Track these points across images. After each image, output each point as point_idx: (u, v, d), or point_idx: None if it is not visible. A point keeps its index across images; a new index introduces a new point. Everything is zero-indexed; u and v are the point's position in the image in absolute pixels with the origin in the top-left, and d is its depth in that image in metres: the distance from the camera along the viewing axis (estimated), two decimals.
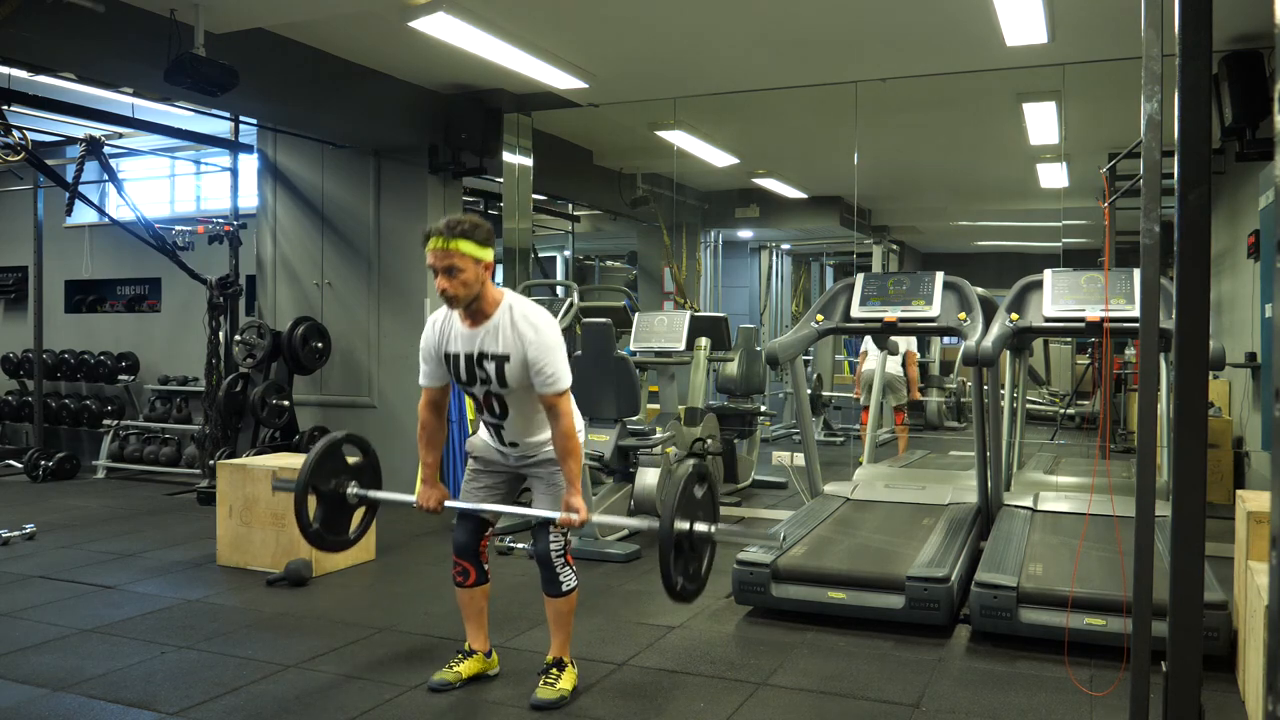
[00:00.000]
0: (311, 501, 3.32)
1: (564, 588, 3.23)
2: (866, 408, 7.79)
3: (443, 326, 3.17)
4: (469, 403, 3.42)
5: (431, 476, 3.35)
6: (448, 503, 3.32)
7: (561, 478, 3.17)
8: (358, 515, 3.57)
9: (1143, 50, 2.21)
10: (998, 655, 3.69)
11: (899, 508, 5.27)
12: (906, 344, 8.44)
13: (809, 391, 6.29)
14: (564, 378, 3.07)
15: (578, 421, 3.37)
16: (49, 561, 5.14)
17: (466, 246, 2.96)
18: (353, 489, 3.43)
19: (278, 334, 6.97)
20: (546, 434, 3.20)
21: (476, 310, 3.07)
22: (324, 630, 4.00)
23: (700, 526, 3.03)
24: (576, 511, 3.09)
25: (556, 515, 3.13)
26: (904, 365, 8.36)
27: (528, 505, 3.32)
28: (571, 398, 3.13)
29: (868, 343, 8.31)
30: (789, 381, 5.87)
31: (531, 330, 3.03)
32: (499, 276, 8.56)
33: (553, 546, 3.22)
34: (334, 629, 4.02)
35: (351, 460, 3.51)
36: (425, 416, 3.31)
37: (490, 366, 3.09)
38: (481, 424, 3.33)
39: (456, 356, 3.14)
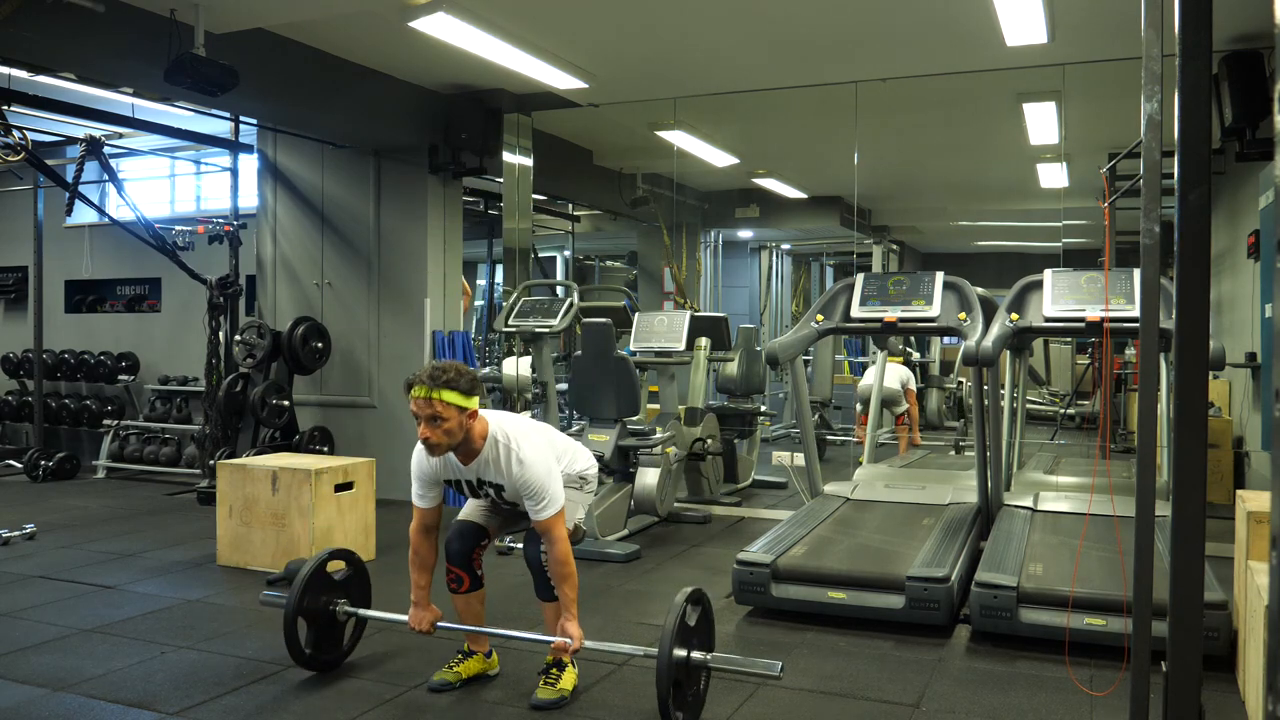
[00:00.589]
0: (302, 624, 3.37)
1: (556, 591, 3.24)
2: (865, 414, 7.79)
3: (439, 461, 3.20)
4: None
5: (423, 598, 3.34)
6: (440, 624, 3.35)
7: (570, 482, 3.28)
8: (349, 628, 3.59)
9: (1143, 50, 2.20)
10: (998, 655, 3.69)
11: (899, 508, 5.27)
12: (904, 378, 8.39)
13: (812, 401, 6.29)
14: (554, 503, 3.13)
15: (585, 461, 3.45)
16: (49, 561, 5.14)
17: (450, 396, 2.98)
18: (343, 607, 3.48)
19: (278, 334, 6.97)
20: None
21: (466, 451, 3.13)
22: None
23: (697, 654, 2.98)
24: (572, 639, 3.12)
25: (554, 639, 3.17)
26: (904, 397, 8.36)
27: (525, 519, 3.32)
28: (564, 520, 3.18)
29: (870, 371, 8.28)
30: (789, 381, 5.87)
31: (518, 466, 3.10)
32: (499, 277, 8.59)
33: (543, 553, 3.22)
34: None
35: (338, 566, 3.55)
36: (417, 541, 3.32)
37: (491, 490, 3.22)
38: None
39: (459, 482, 3.25)
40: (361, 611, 3.55)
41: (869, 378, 8.09)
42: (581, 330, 6.05)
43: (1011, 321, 4.67)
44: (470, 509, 3.42)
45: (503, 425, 3.16)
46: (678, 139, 7.87)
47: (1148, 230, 2.23)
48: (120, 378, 8.56)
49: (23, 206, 8.61)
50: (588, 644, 3.18)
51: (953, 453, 8.14)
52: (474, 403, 3.05)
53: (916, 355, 9.28)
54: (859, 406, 8.69)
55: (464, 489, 3.27)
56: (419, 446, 3.16)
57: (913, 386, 8.56)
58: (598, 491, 5.58)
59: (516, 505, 3.28)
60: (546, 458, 3.16)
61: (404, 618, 3.36)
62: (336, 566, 3.53)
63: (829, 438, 8.77)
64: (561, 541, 3.12)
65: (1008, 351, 5.52)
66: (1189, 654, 2.11)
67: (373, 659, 3.67)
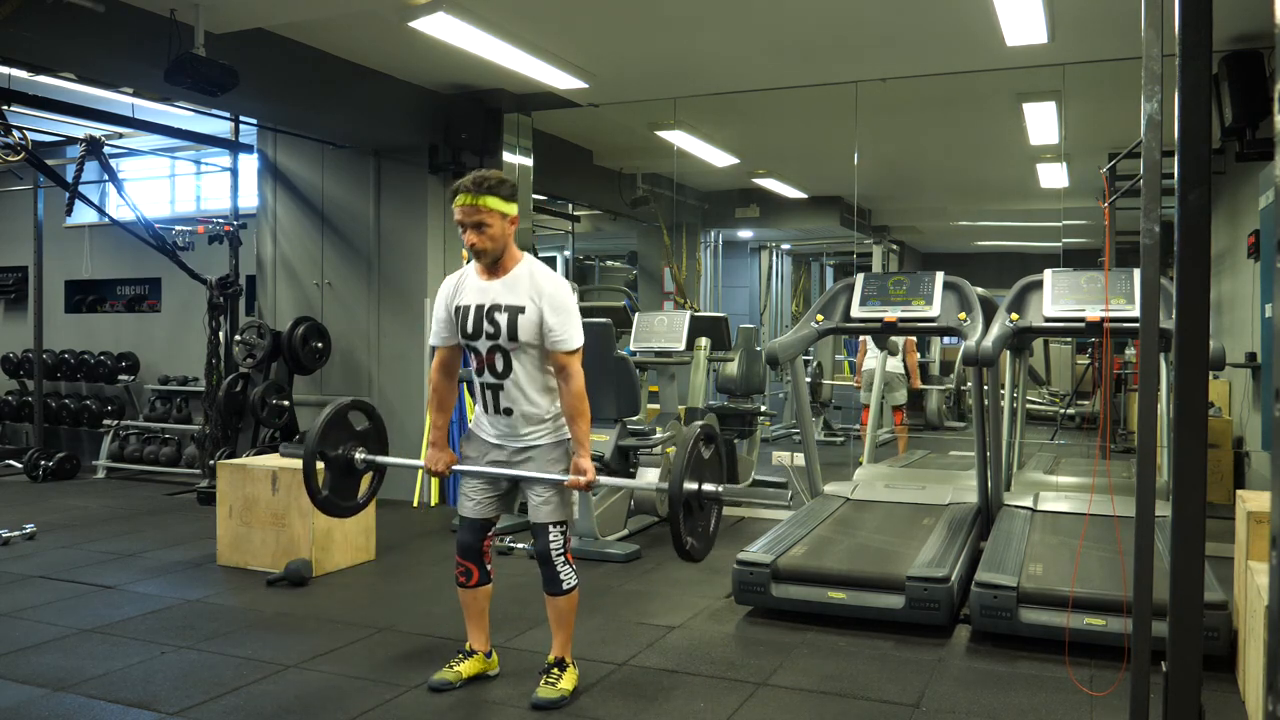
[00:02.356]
0: (320, 470, 3.37)
1: (564, 586, 3.23)
2: (867, 406, 7.79)
3: (457, 282, 3.25)
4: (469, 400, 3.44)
5: (441, 439, 3.36)
6: (456, 467, 3.33)
7: (559, 455, 3.21)
8: (365, 480, 3.59)
9: (1143, 50, 2.21)
10: (998, 655, 3.70)
11: (899, 508, 5.27)
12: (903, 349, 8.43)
13: (808, 381, 6.28)
14: (577, 336, 3.13)
15: None
16: (49, 561, 5.14)
17: (494, 202, 3.07)
18: (360, 454, 3.47)
19: (278, 334, 6.97)
20: (543, 406, 3.20)
21: (498, 265, 3.16)
22: (324, 630, 4.00)
23: (709, 486, 3.08)
24: (584, 473, 3.12)
25: (565, 478, 3.15)
26: (904, 355, 8.37)
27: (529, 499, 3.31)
28: (581, 360, 3.18)
29: (869, 341, 8.31)
30: (789, 381, 5.87)
31: (551, 285, 3.13)
32: None
33: (553, 545, 3.21)
34: (334, 629, 4.02)
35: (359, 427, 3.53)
36: (436, 378, 3.35)
37: (502, 318, 3.13)
38: (478, 402, 3.30)
39: (466, 309, 3.20)
40: (379, 459, 3.51)
41: (871, 360, 8.09)
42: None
43: (1011, 321, 4.68)
44: (468, 502, 3.32)
45: (538, 261, 3.24)
46: (678, 139, 7.87)
47: (1148, 230, 2.23)
48: (120, 378, 8.56)
49: (23, 206, 8.61)
50: (601, 480, 3.20)
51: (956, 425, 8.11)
52: (514, 209, 3.13)
53: (916, 355, 9.28)
54: (862, 394, 8.68)
55: (468, 323, 3.17)
56: (444, 284, 3.26)
57: (913, 341, 8.55)
58: (597, 492, 5.61)
59: (508, 407, 3.15)
60: (575, 300, 3.19)
61: (420, 463, 3.37)
62: (358, 421, 3.50)
63: (829, 438, 8.78)
64: (577, 376, 3.13)
65: (1008, 351, 5.53)
66: (1189, 654, 2.11)
67: (373, 659, 3.67)
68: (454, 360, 3.34)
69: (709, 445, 3.11)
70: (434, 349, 3.34)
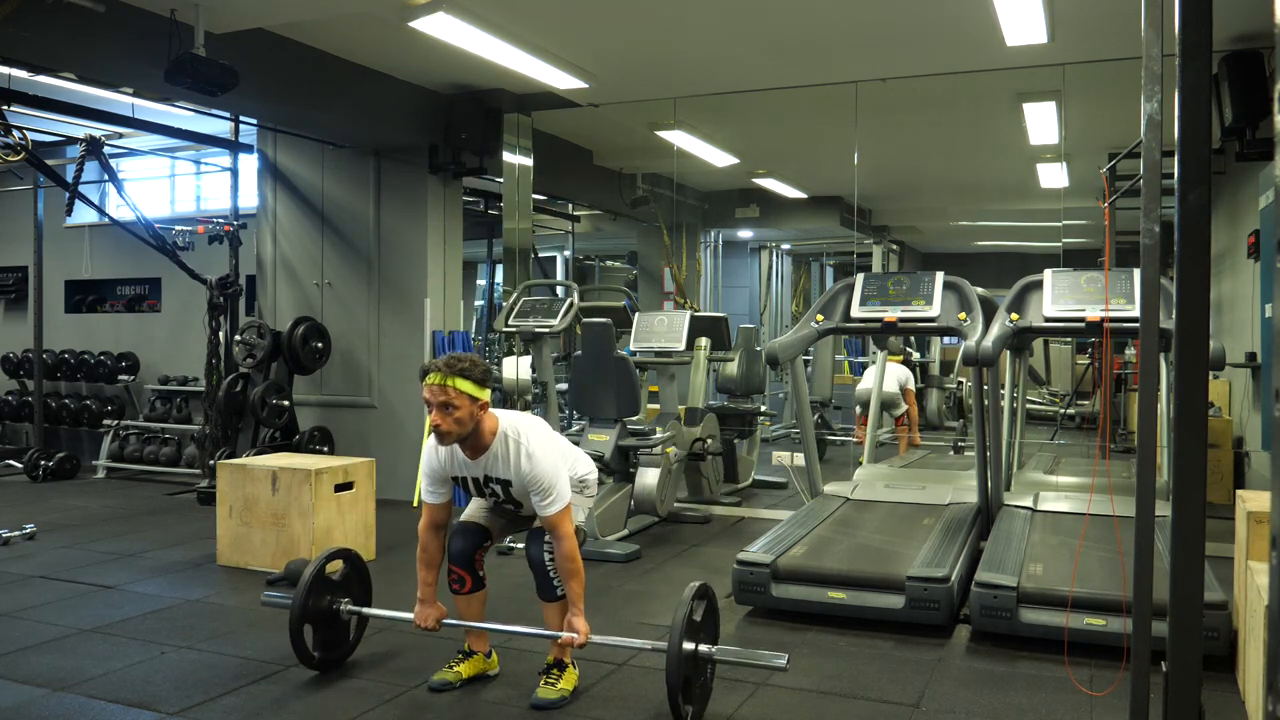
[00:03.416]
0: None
1: (558, 591, 3.24)
2: (864, 415, 7.78)
3: (445, 456, 3.24)
4: None
5: (429, 595, 3.36)
6: (445, 621, 3.36)
7: (576, 499, 3.29)
8: (353, 625, 3.62)
9: (1143, 50, 2.21)
10: (998, 655, 3.69)
11: (899, 508, 5.27)
12: (903, 378, 8.39)
13: (813, 401, 6.28)
14: (561, 499, 3.15)
15: (586, 467, 3.46)
16: (49, 561, 5.14)
17: (463, 385, 3.03)
18: (346, 606, 3.50)
19: (278, 334, 6.97)
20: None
21: (475, 444, 3.15)
22: None
23: (704, 648, 3.03)
24: (578, 632, 3.14)
25: (560, 634, 3.19)
26: (903, 398, 8.36)
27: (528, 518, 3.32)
28: (572, 516, 3.21)
29: (869, 373, 8.28)
30: (789, 381, 5.87)
31: (527, 461, 3.13)
32: (498, 277, 8.60)
33: (547, 552, 3.23)
34: None
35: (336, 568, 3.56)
36: (426, 538, 3.34)
37: (498, 487, 3.22)
38: None
39: (465, 479, 3.26)
40: (365, 610, 3.56)
41: (867, 380, 8.09)
42: (581, 330, 6.05)
43: (1011, 321, 4.67)
44: (473, 510, 3.43)
45: (513, 422, 3.20)
46: (678, 139, 7.87)
47: (1148, 230, 2.23)
48: (120, 378, 8.56)
49: (23, 206, 8.61)
50: (594, 638, 3.18)
51: (952, 453, 8.15)
52: (486, 394, 3.09)
53: (916, 355, 9.28)
54: (858, 409, 8.70)
55: (469, 487, 3.28)
56: (428, 443, 3.20)
57: (911, 387, 8.57)
58: (597, 492, 5.61)
59: (520, 507, 3.29)
60: (554, 455, 3.19)
61: (409, 616, 3.37)
62: (335, 568, 3.52)
63: (829, 438, 8.78)
64: (568, 539, 3.15)
65: (1008, 351, 5.52)
66: (1189, 654, 2.10)
67: (373, 659, 3.67)
68: (445, 517, 3.35)
69: (702, 602, 3.08)
70: (424, 505, 3.36)
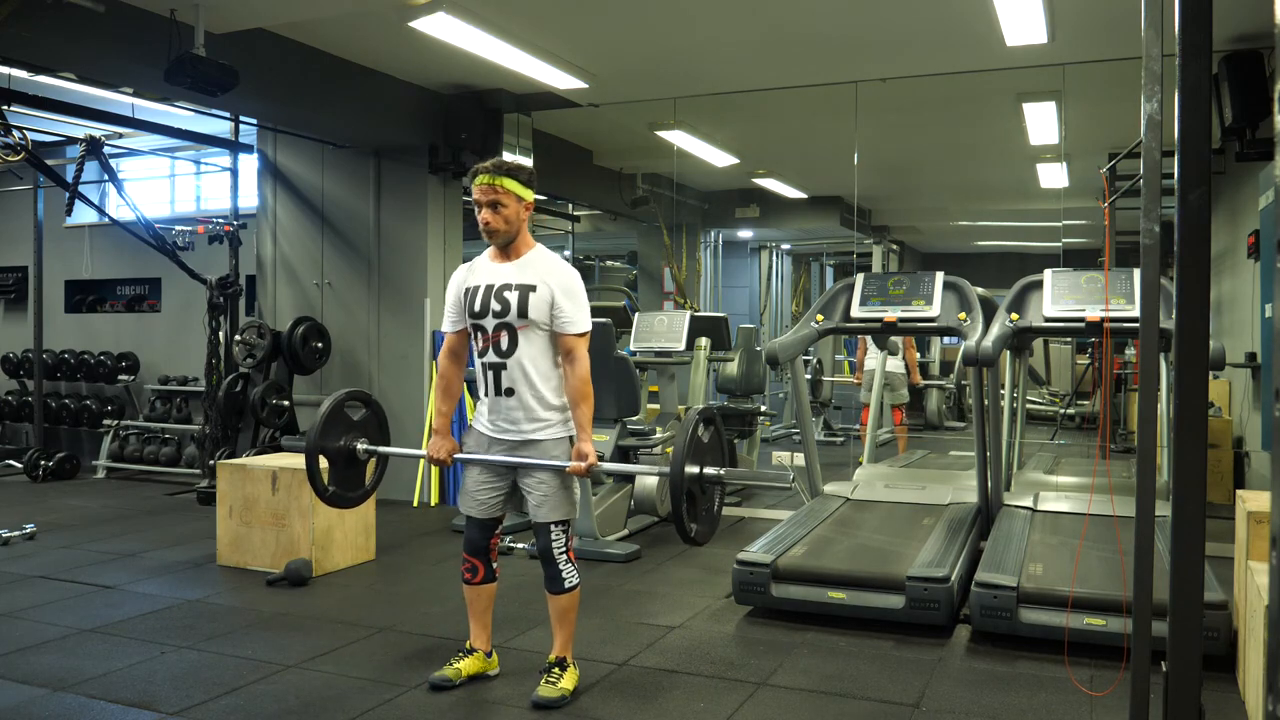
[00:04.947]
0: (323, 464, 3.39)
1: (566, 584, 3.23)
2: (867, 405, 7.79)
3: (469, 268, 3.30)
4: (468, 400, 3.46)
5: (444, 426, 3.36)
6: (457, 456, 3.33)
7: (561, 453, 3.20)
8: (370, 467, 3.61)
9: (1143, 50, 2.21)
10: (998, 655, 3.70)
11: (899, 508, 5.27)
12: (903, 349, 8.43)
13: (807, 378, 6.27)
14: (585, 320, 3.19)
15: None
16: (49, 561, 5.14)
17: (511, 184, 3.13)
18: (362, 444, 3.50)
19: (278, 334, 6.97)
20: (545, 392, 3.18)
21: (511, 249, 3.21)
22: (324, 630, 4.00)
23: (710, 470, 3.10)
24: (585, 457, 3.14)
25: (566, 464, 3.16)
26: (903, 353, 8.37)
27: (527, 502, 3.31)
28: (586, 342, 3.22)
29: (872, 352, 8.31)
30: (789, 381, 5.87)
31: (563, 269, 3.21)
32: None
33: (555, 543, 3.21)
34: (334, 629, 4.02)
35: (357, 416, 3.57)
36: (444, 364, 3.38)
37: (512, 296, 3.16)
38: (480, 389, 3.27)
39: (476, 288, 3.23)
40: (380, 449, 3.54)
41: (872, 361, 8.10)
42: None
43: (1011, 321, 4.68)
44: (472, 501, 3.30)
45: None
46: (678, 139, 7.87)
47: (1148, 230, 2.23)
48: (120, 378, 8.56)
49: (23, 206, 8.61)
50: (601, 465, 3.22)
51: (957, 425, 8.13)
52: (530, 195, 3.20)
53: (917, 356, 9.28)
54: (863, 395, 8.69)
55: (476, 301, 3.18)
56: (456, 272, 3.31)
57: (910, 339, 8.56)
58: (597, 492, 5.61)
59: (510, 352, 3.14)
60: (584, 289, 3.25)
61: (421, 453, 3.38)
62: (356, 409, 3.53)
63: (829, 438, 8.79)
64: (584, 360, 3.17)
65: (1008, 351, 5.53)
66: (1189, 654, 2.11)
67: (373, 659, 3.67)
68: (462, 346, 3.36)
69: (708, 428, 3.13)
70: (443, 336, 3.38)
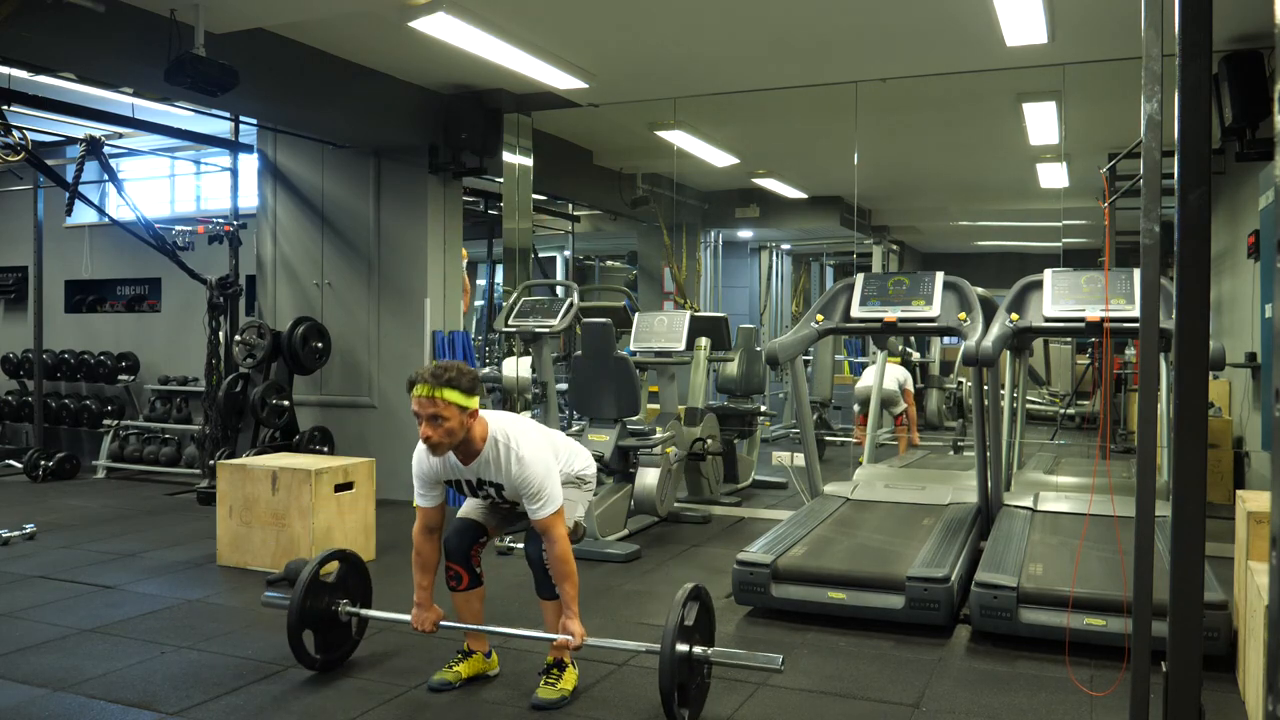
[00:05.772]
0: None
1: (558, 589, 3.24)
2: (861, 414, 7.78)
3: (439, 460, 3.21)
4: None
5: (426, 599, 3.35)
6: (443, 623, 3.36)
7: (570, 493, 3.30)
8: (353, 625, 3.62)
9: (1143, 50, 2.20)
10: (998, 655, 3.69)
11: (899, 508, 5.27)
12: (901, 378, 8.39)
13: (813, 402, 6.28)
14: (553, 502, 3.14)
15: (583, 461, 3.45)
16: (49, 561, 5.14)
17: (451, 395, 2.99)
18: (344, 607, 3.50)
19: (278, 334, 6.97)
20: None
21: (466, 451, 3.14)
22: None
23: (698, 650, 3.02)
24: (573, 635, 3.14)
25: (555, 637, 3.19)
26: (901, 397, 8.36)
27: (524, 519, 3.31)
28: (564, 519, 3.20)
29: (868, 372, 8.29)
30: (789, 381, 5.87)
31: (517, 465, 3.11)
32: (499, 277, 8.60)
33: (545, 550, 3.23)
34: None
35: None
36: (420, 541, 3.33)
37: (491, 490, 3.22)
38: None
39: (459, 481, 3.26)
40: (364, 612, 3.57)
41: (867, 379, 8.11)
42: (581, 330, 6.05)
43: (1011, 321, 4.67)
44: (469, 507, 3.43)
45: (503, 425, 3.17)
46: (678, 139, 7.87)
47: (1148, 230, 2.23)
48: (120, 378, 8.56)
49: (23, 206, 8.61)
50: (590, 641, 3.18)
51: (951, 453, 8.15)
52: (474, 402, 3.06)
53: (916, 355, 9.28)
54: (857, 408, 8.71)
55: (464, 489, 3.28)
56: (420, 447, 3.16)
57: (910, 387, 8.57)
58: (597, 491, 5.61)
59: (516, 505, 3.29)
60: (545, 457, 3.17)
61: (407, 618, 3.36)
62: (331, 569, 3.52)
63: (829, 438, 8.78)
64: (561, 540, 3.14)
65: (1008, 351, 5.52)
66: (1189, 654, 2.10)
67: (373, 658, 3.67)
68: (438, 520, 3.34)
69: (695, 603, 3.06)
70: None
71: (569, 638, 3.13)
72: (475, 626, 3.39)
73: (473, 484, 3.23)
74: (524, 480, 3.10)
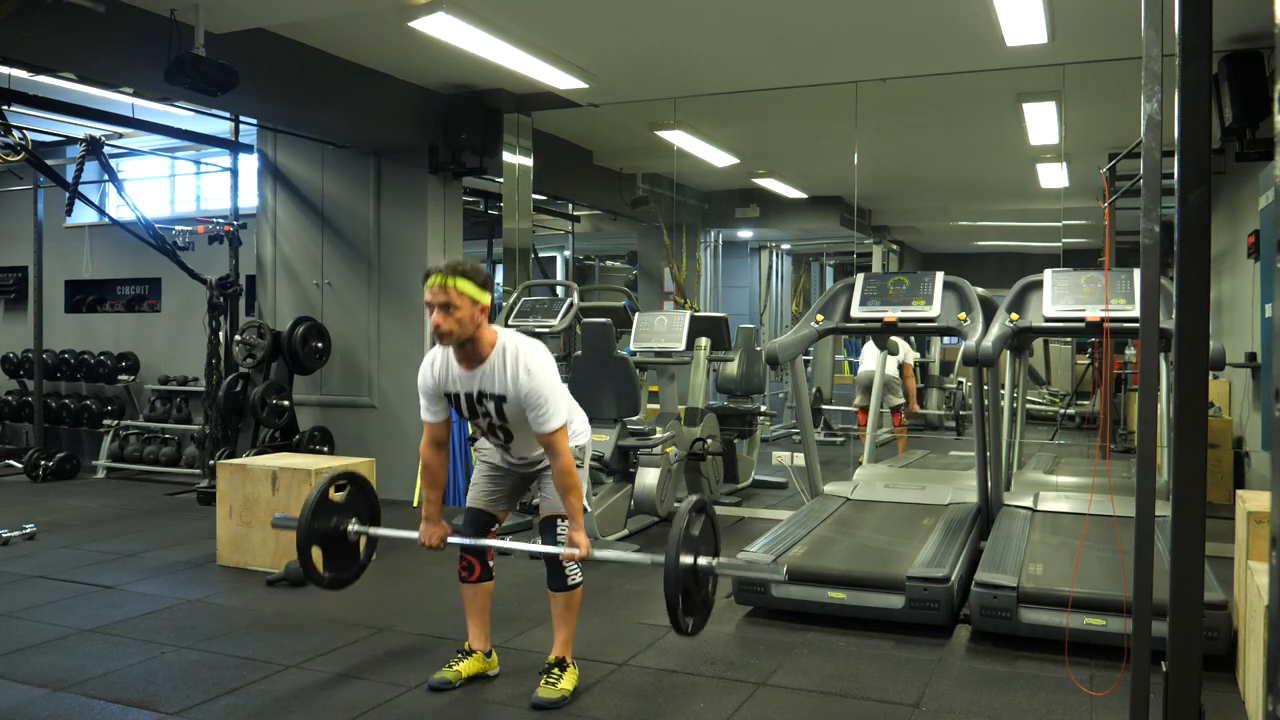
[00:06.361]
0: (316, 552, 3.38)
1: (569, 581, 3.25)
2: (864, 408, 7.79)
3: (439, 369, 3.21)
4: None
5: (434, 513, 3.35)
6: (450, 539, 3.34)
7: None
8: (362, 543, 3.59)
9: (1143, 50, 2.21)
10: (998, 655, 3.70)
11: (899, 508, 5.27)
12: (903, 354, 8.42)
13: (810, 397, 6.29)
14: (556, 417, 3.11)
15: (580, 425, 3.40)
16: (49, 561, 5.14)
17: (465, 286, 3.01)
18: (353, 526, 3.49)
19: (278, 334, 6.97)
20: None
21: (472, 353, 3.11)
22: (324, 630, 4.00)
23: (703, 561, 3.05)
24: (578, 546, 3.13)
25: (559, 550, 3.19)
26: (902, 379, 8.38)
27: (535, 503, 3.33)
28: (568, 430, 3.19)
29: (866, 350, 8.34)
30: (789, 381, 5.87)
31: (525, 374, 3.07)
32: (499, 276, 8.61)
33: (560, 538, 3.25)
34: (334, 629, 4.02)
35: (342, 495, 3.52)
36: (427, 455, 3.33)
37: (490, 404, 3.16)
38: (488, 448, 3.40)
39: (457, 395, 3.21)
40: (372, 530, 3.53)
41: (868, 362, 8.12)
42: (581, 330, 6.05)
43: (1011, 321, 4.67)
44: (477, 493, 3.39)
45: (512, 337, 3.17)
46: (678, 139, 7.87)
47: (1148, 230, 2.23)
48: (120, 378, 8.56)
49: (23, 206, 8.61)
50: (595, 554, 3.18)
51: (955, 436, 8.14)
52: (486, 298, 3.07)
53: (916, 355, 9.29)
54: (859, 399, 8.71)
55: (462, 407, 3.22)
56: (424, 361, 3.23)
57: (909, 361, 8.58)
58: (597, 492, 5.61)
59: (510, 440, 3.23)
60: (554, 375, 3.16)
61: (414, 535, 3.35)
62: (339, 495, 3.50)
63: (828, 438, 8.79)
64: (565, 455, 3.13)
65: (1008, 351, 5.52)
66: (1189, 654, 2.11)
67: (373, 659, 3.67)
68: (445, 436, 3.34)
69: (700, 516, 3.09)
70: (424, 424, 3.34)
71: (574, 550, 3.13)
72: (484, 543, 3.34)
73: (472, 398, 3.17)
74: (531, 391, 3.07)
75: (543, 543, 3.29)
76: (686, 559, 2.96)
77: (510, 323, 6.37)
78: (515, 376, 3.08)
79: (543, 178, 7.69)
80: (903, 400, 8.55)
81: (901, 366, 8.37)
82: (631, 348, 6.37)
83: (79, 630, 3.97)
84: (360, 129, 6.80)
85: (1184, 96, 2.07)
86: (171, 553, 5.38)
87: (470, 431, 3.41)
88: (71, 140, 7.29)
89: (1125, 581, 3.39)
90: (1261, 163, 5.48)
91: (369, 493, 3.60)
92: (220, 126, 7.60)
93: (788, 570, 4.13)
